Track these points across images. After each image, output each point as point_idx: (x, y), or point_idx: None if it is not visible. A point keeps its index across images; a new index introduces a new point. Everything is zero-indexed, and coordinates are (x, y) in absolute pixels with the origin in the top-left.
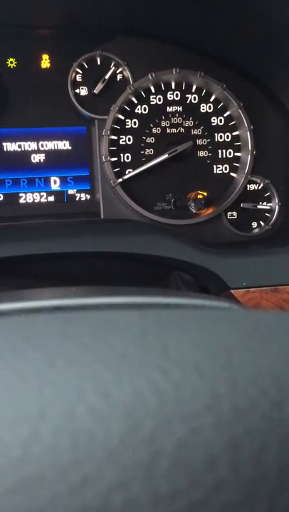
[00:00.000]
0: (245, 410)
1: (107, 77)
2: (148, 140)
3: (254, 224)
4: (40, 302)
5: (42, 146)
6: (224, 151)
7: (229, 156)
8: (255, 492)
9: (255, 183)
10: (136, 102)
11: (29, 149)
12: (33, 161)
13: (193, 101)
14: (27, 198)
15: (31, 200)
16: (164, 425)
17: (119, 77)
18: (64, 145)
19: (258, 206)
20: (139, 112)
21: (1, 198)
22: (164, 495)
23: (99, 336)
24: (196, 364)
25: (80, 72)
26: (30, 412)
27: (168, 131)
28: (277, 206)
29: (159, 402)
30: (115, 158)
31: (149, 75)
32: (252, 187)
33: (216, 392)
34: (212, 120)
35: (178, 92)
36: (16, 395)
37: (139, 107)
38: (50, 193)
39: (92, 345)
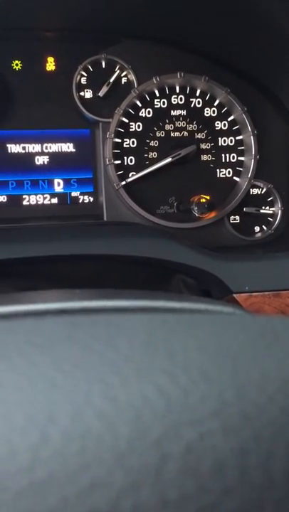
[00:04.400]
0: (253, 416)
1: (111, 80)
2: (152, 143)
3: (257, 228)
4: (44, 305)
5: (46, 148)
6: (228, 155)
7: (232, 160)
8: (262, 497)
9: (258, 187)
10: (140, 105)
11: (33, 151)
12: (37, 163)
13: (197, 105)
14: (30, 199)
15: (35, 202)
16: (171, 430)
17: (123, 80)
18: (68, 147)
19: (261, 210)
20: (143, 115)
21: (5, 200)
22: (172, 500)
23: (106, 340)
24: (203, 369)
25: (85, 75)
26: (39, 416)
27: (172, 134)
28: (280, 211)
29: (166, 406)
30: (119, 161)
31: (154, 79)
32: (255, 191)
33: (223, 398)
34: (216, 124)
35: (182, 96)
36: (24, 399)
37: (143, 110)
38: (53, 195)
39: (99, 349)
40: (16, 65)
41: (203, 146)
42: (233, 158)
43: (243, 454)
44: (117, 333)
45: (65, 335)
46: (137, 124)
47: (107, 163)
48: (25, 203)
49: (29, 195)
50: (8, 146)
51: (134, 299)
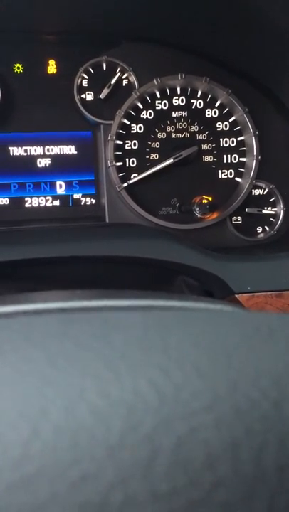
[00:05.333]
0: (246, 410)
1: (112, 82)
2: (153, 145)
3: (259, 229)
4: (44, 304)
5: (48, 150)
6: (229, 156)
7: (234, 161)
8: (254, 491)
9: (260, 188)
10: (141, 107)
11: (35, 154)
12: (39, 165)
13: (198, 106)
14: (33, 202)
15: (37, 205)
16: (163, 424)
17: (124, 82)
18: (70, 150)
19: (263, 211)
20: (145, 117)
21: (7, 202)
22: (163, 493)
23: (100, 335)
24: (197, 364)
25: (86, 77)
26: (31, 410)
27: (173, 136)
28: (282, 211)
29: (159, 401)
30: (120, 163)
31: (155, 80)
32: (257, 192)
33: (216, 392)
34: (217, 125)
35: (183, 98)
36: (17, 393)
37: (144, 112)
38: (55, 197)
39: (93, 344)
40: (18, 68)
41: (204, 147)
42: (235, 159)
43: (235, 447)
44: (111, 328)
45: (59, 331)
46: (139, 125)
47: (109, 165)
48: (27, 205)
49: (31, 197)
50: (10, 148)
51: (132, 299)
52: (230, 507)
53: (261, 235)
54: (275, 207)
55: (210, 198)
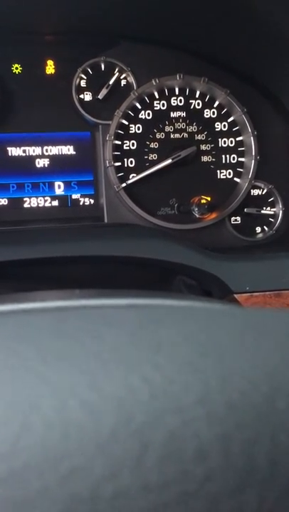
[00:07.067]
0: (237, 404)
1: (111, 82)
2: (152, 145)
3: (258, 229)
4: (41, 304)
5: (46, 151)
6: (228, 156)
7: (233, 162)
8: (245, 484)
9: (259, 188)
10: (140, 107)
11: (34, 154)
12: (38, 165)
13: (196, 106)
14: (31, 202)
15: (35, 205)
16: (155, 418)
17: (123, 82)
18: (68, 150)
19: (262, 211)
20: (143, 117)
21: (6, 203)
22: (154, 485)
23: (91, 330)
24: (189, 358)
25: (85, 77)
26: (22, 404)
27: (172, 136)
28: (281, 211)
29: (150, 395)
30: (119, 163)
31: (153, 81)
32: (256, 192)
33: (207, 386)
34: (216, 125)
35: (181, 98)
36: (7, 388)
37: (142, 112)
38: (54, 197)
39: (84, 340)
40: (16, 68)
41: (203, 147)
42: (234, 159)
43: (226, 440)
44: (102, 324)
45: (50, 326)
46: (137, 126)
47: (108, 165)
48: (26, 205)
49: (30, 197)
50: (9, 149)
51: (130, 298)
52: (221, 499)
53: (260, 235)
54: (273, 207)
55: (209, 198)
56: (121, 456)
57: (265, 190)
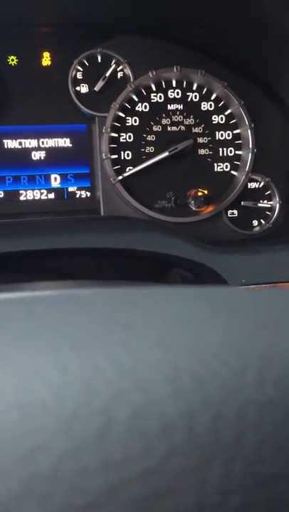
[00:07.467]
0: (204, 380)
1: (107, 74)
2: (148, 138)
3: (255, 222)
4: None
5: (42, 143)
6: (225, 149)
7: (230, 154)
8: (209, 459)
9: (255, 181)
10: (136, 99)
11: (30, 147)
12: (34, 158)
13: (194, 99)
14: (27, 195)
15: (32, 198)
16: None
17: (119, 74)
18: (64, 142)
19: (259, 204)
20: (140, 109)
21: (2, 195)
22: (117, 462)
23: (60, 312)
24: (155, 336)
25: (81, 69)
26: None
27: (168, 129)
28: (277, 204)
29: (116, 373)
30: (115, 156)
31: (150, 73)
32: (253, 185)
33: (175, 363)
34: (213, 118)
35: (179, 90)
36: None
37: (139, 104)
38: (50, 190)
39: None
40: (12, 60)
41: (200, 140)
42: (231, 152)
43: (192, 416)
44: (75, 306)
45: (21, 309)
46: (134, 118)
47: (104, 157)
48: (22, 198)
49: (26, 190)
50: (5, 141)
51: (99, 287)
52: (185, 474)
53: (257, 228)
54: (270, 200)
55: (205, 191)
56: (84, 432)
57: (262, 184)
